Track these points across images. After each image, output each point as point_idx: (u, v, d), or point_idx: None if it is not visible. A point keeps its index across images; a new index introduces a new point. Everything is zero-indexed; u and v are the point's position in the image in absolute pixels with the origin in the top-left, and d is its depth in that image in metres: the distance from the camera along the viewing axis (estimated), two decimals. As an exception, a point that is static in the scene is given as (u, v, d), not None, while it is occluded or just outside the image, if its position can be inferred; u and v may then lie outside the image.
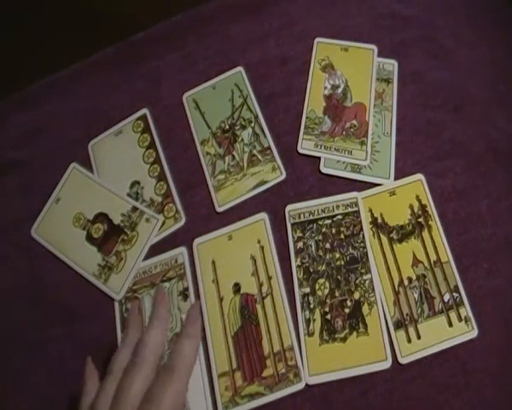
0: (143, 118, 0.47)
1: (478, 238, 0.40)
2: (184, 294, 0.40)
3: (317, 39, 0.49)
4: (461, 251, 0.40)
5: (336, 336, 0.38)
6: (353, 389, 0.37)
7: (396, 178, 0.42)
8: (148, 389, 0.29)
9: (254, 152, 0.45)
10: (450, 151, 0.43)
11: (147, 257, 0.42)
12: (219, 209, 0.43)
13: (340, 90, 0.47)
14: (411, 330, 0.37)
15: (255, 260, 0.40)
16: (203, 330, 0.39)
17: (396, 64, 0.47)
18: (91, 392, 0.31)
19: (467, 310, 0.38)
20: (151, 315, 0.33)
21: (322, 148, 0.44)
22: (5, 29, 0.58)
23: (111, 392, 0.29)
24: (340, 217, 0.41)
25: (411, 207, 0.41)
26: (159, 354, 0.31)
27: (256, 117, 0.46)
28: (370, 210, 0.41)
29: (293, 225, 0.41)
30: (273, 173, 0.43)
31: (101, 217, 0.43)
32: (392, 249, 0.40)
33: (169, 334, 0.39)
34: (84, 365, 0.34)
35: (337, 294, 0.39)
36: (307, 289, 0.39)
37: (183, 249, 0.41)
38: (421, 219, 0.41)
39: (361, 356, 0.37)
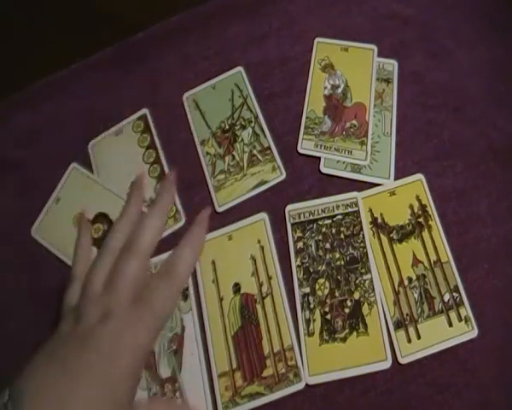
0: (143, 118, 0.47)
1: (478, 238, 0.40)
2: (184, 294, 0.40)
3: (317, 39, 0.49)
4: (461, 251, 0.40)
5: (336, 336, 0.38)
6: (353, 389, 0.37)
7: (396, 178, 0.42)
8: (143, 285, 0.28)
9: (254, 152, 0.45)
10: (450, 151, 0.43)
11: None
12: (219, 209, 0.43)
13: (340, 90, 0.47)
14: (411, 330, 0.37)
15: (255, 260, 0.40)
16: (203, 330, 0.39)
17: (396, 64, 0.47)
18: (84, 254, 0.32)
19: (467, 310, 0.38)
20: (154, 201, 0.32)
21: (322, 148, 0.44)
22: (5, 29, 0.58)
23: (107, 269, 0.29)
24: (340, 217, 0.41)
25: (411, 207, 0.41)
26: (156, 242, 0.30)
27: (256, 117, 0.46)
28: (370, 210, 0.41)
29: (293, 225, 0.41)
30: (273, 173, 0.43)
31: (101, 217, 0.43)
32: (392, 249, 0.40)
33: (169, 334, 0.39)
34: (79, 221, 0.33)
35: (337, 294, 0.39)
36: (307, 289, 0.39)
37: (183, 249, 0.41)
38: (421, 219, 0.41)
39: (361, 356, 0.37)
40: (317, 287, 0.39)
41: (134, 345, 0.26)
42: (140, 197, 0.35)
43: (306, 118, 0.45)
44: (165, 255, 0.41)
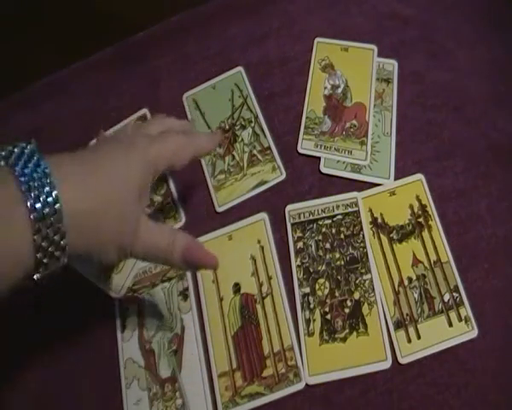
0: (143, 118, 0.47)
1: (478, 238, 0.40)
2: (184, 294, 0.40)
3: (317, 39, 0.49)
4: (461, 251, 0.40)
5: (336, 336, 0.38)
6: (353, 389, 0.37)
7: (396, 178, 0.42)
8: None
9: (254, 152, 0.45)
10: (450, 151, 0.43)
11: None
12: (219, 209, 0.43)
13: (340, 90, 0.47)
14: (411, 330, 0.37)
15: (255, 260, 0.40)
16: (203, 330, 0.39)
17: (396, 64, 0.47)
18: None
19: (467, 310, 0.38)
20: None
21: (322, 148, 0.44)
22: (5, 29, 0.58)
23: (159, 128, 0.34)
24: (340, 217, 0.41)
25: (411, 207, 0.41)
26: (197, 151, 0.34)
27: (256, 117, 0.46)
28: (370, 210, 0.41)
29: (293, 225, 0.41)
30: (273, 173, 0.43)
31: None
32: (392, 249, 0.40)
33: (169, 334, 0.39)
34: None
35: (337, 294, 0.39)
36: (307, 290, 0.39)
37: (183, 249, 0.41)
38: (421, 219, 0.41)
39: (361, 356, 0.37)
40: (317, 287, 0.39)
41: (148, 151, 0.30)
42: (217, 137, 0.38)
43: (306, 118, 0.45)
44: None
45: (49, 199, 0.24)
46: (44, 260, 0.25)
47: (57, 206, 0.24)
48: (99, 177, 0.27)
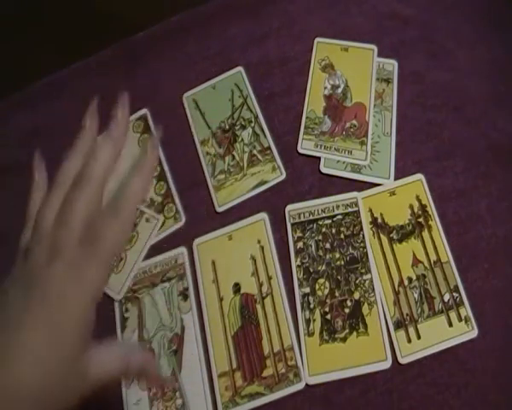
0: (143, 118, 0.47)
1: (478, 238, 0.40)
2: (184, 294, 0.40)
3: (317, 39, 0.49)
4: (461, 251, 0.40)
5: (336, 336, 0.38)
6: (353, 389, 0.37)
7: (396, 178, 0.42)
8: (92, 220, 0.26)
9: (254, 152, 0.45)
10: (450, 151, 0.43)
11: (147, 257, 0.41)
12: (219, 209, 0.43)
13: (340, 90, 0.47)
14: (411, 330, 0.37)
15: (255, 260, 0.40)
16: (203, 330, 0.39)
17: (396, 64, 0.47)
18: (37, 199, 0.30)
19: (467, 310, 0.38)
20: (107, 131, 0.30)
21: (322, 148, 0.44)
22: (5, 29, 0.58)
23: (56, 205, 0.27)
24: (340, 217, 0.41)
25: (411, 207, 0.41)
26: (108, 172, 0.28)
27: (256, 117, 0.46)
28: (370, 210, 0.41)
29: (293, 225, 0.41)
30: (273, 173, 0.43)
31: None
32: (392, 249, 0.40)
33: (169, 334, 0.39)
34: (33, 162, 0.32)
35: (337, 294, 0.39)
36: (307, 289, 0.39)
37: (183, 249, 0.41)
38: (421, 219, 0.41)
39: (361, 356, 0.37)
40: (317, 287, 0.39)
41: (82, 289, 0.25)
42: (96, 122, 0.33)
43: (306, 118, 0.45)
44: (164, 255, 0.41)
45: None
46: None
47: None
48: (22, 375, 0.22)
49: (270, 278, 0.40)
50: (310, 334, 0.38)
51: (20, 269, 0.26)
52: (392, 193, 0.42)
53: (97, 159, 0.28)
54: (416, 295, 0.39)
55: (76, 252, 0.25)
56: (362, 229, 0.41)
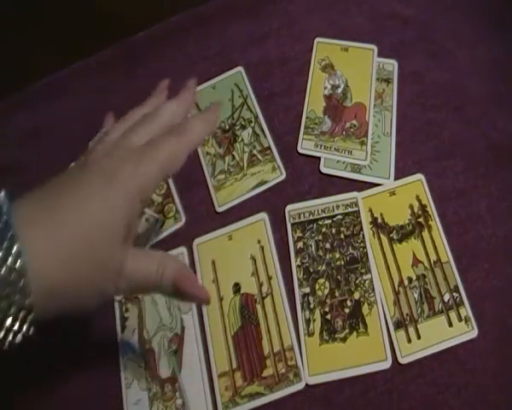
0: (143, 118, 0.47)
1: (478, 238, 0.40)
2: (184, 294, 0.40)
3: (317, 39, 0.49)
4: (461, 251, 0.40)
5: (336, 336, 0.38)
6: (353, 389, 0.37)
7: (396, 178, 0.42)
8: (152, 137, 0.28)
9: (254, 152, 0.45)
10: (450, 151, 0.43)
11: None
12: (219, 209, 0.43)
13: (340, 90, 0.47)
14: (411, 330, 0.37)
15: (255, 260, 0.40)
16: (203, 330, 0.39)
17: (396, 64, 0.47)
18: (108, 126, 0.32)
19: (467, 310, 0.38)
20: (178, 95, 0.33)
21: (322, 148, 0.44)
22: (5, 29, 0.58)
23: (121, 131, 0.29)
24: (340, 217, 0.41)
25: (411, 207, 0.41)
26: (174, 120, 0.30)
27: (256, 117, 0.46)
28: (370, 210, 0.41)
29: (293, 225, 0.41)
30: (273, 173, 0.43)
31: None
32: (392, 249, 0.40)
33: (169, 334, 0.39)
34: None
35: (337, 294, 0.39)
36: (307, 289, 0.39)
37: (183, 249, 0.41)
38: (421, 219, 0.41)
39: (361, 356, 0.37)
40: (317, 287, 0.39)
41: (133, 177, 0.26)
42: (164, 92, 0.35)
43: (306, 118, 0.45)
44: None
45: (10, 257, 0.21)
46: (6, 324, 0.21)
47: (18, 265, 0.21)
48: (73, 228, 0.23)
49: (270, 278, 0.40)
50: (310, 334, 0.38)
51: (80, 163, 0.28)
52: (392, 193, 0.42)
53: (166, 107, 0.30)
54: (415, 295, 0.39)
55: (133, 152, 0.27)
56: (362, 229, 0.41)
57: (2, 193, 0.23)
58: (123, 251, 0.26)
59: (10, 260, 0.21)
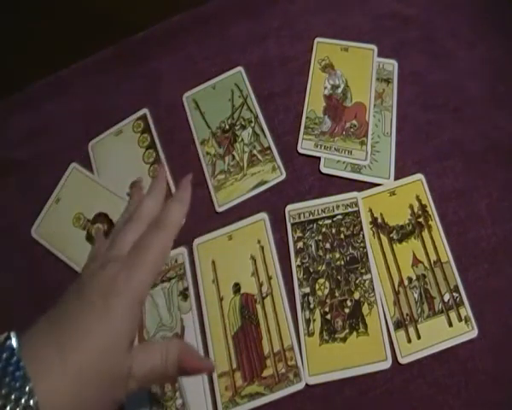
0: (143, 118, 0.47)
1: (478, 238, 0.40)
2: (184, 294, 0.40)
3: (317, 39, 0.49)
4: (461, 251, 0.40)
5: (336, 336, 0.38)
6: (353, 389, 0.37)
7: (396, 178, 0.42)
8: (138, 238, 0.30)
9: (254, 152, 0.45)
10: (450, 151, 0.43)
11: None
12: (219, 209, 0.43)
13: (340, 90, 0.47)
14: (411, 330, 0.37)
15: (255, 260, 0.40)
16: (203, 330, 0.39)
17: (396, 64, 0.47)
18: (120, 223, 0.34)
19: (467, 310, 0.38)
20: (174, 194, 0.34)
21: (322, 148, 0.44)
22: (5, 29, 0.58)
23: (131, 242, 0.30)
24: (340, 217, 0.41)
25: (411, 207, 0.41)
26: (153, 213, 0.32)
27: (256, 117, 0.46)
28: (370, 210, 0.41)
29: (293, 225, 0.41)
30: (273, 173, 0.43)
31: (102, 217, 0.43)
32: (392, 249, 0.40)
33: (169, 334, 0.39)
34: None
35: (337, 294, 0.39)
36: (307, 289, 0.39)
37: (183, 249, 0.41)
38: (421, 219, 0.41)
39: (361, 356, 0.37)
40: (317, 287, 0.39)
41: (130, 285, 0.27)
42: (166, 177, 0.37)
43: (306, 118, 0.45)
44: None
45: (23, 398, 0.21)
46: None
47: (32, 403, 0.22)
48: (80, 360, 0.24)
49: (270, 278, 0.40)
50: (310, 334, 0.38)
51: (76, 283, 0.29)
52: (392, 193, 0.42)
53: (144, 204, 0.32)
54: (416, 295, 0.39)
55: (123, 260, 0.28)
56: (362, 229, 0.41)
57: (13, 339, 0.24)
58: (129, 356, 0.27)
59: (24, 399, 0.22)
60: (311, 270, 0.40)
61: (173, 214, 0.32)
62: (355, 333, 0.38)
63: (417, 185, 0.42)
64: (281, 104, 0.46)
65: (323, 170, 0.43)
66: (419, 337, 0.37)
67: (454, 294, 0.38)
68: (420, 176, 0.42)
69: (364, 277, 0.39)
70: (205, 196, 0.43)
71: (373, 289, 0.39)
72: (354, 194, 0.42)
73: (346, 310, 0.38)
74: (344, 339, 0.38)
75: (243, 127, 0.46)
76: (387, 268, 0.40)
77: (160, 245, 0.29)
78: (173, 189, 0.44)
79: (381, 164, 0.43)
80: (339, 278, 0.39)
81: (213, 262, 0.41)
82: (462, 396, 0.36)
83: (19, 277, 0.43)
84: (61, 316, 0.26)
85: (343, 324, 0.38)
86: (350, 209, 0.41)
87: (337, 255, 0.40)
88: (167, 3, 0.52)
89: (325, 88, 0.47)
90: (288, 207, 0.42)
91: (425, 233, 0.40)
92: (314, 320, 0.38)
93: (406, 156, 0.43)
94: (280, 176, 0.43)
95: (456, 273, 0.39)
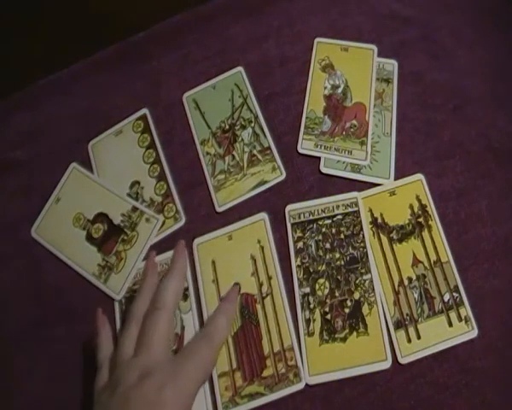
0: (143, 118, 0.47)
1: (478, 238, 0.40)
2: (184, 294, 0.40)
3: (317, 39, 0.49)
4: (461, 251, 0.40)
5: (336, 336, 0.38)
6: (353, 389, 0.37)
7: (396, 178, 0.42)
8: (184, 346, 0.31)
9: (254, 152, 0.45)
10: (450, 151, 0.43)
11: (147, 257, 0.41)
12: (219, 209, 0.43)
13: (340, 90, 0.47)
14: (411, 330, 0.37)
15: (255, 260, 0.40)
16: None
17: (396, 64, 0.47)
18: (105, 342, 0.33)
19: (467, 310, 0.38)
20: (170, 265, 0.35)
21: (322, 148, 0.44)
22: (5, 29, 0.58)
23: (135, 336, 0.30)
24: (340, 217, 0.41)
25: (411, 207, 0.41)
26: (178, 299, 0.33)
27: (256, 117, 0.46)
28: (370, 210, 0.41)
29: (293, 225, 0.41)
30: (273, 173, 0.43)
31: (101, 217, 0.43)
32: (392, 249, 0.40)
33: (169, 334, 0.39)
34: (94, 316, 0.36)
35: (337, 294, 0.39)
36: (307, 289, 0.39)
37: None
38: (421, 219, 0.41)
39: (361, 356, 0.37)
40: (317, 287, 0.39)
41: (177, 396, 0.27)
42: (156, 269, 0.39)
43: (306, 118, 0.45)
44: (164, 255, 0.41)
45: None
46: None
47: None
48: None
49: (270, 278, 0.40)
50: (310, 334, 0.38)
51: (108, 397, 0.28)
52: (392, 193, 0.42)
53: (167, 289, 0.34)
54: (415, 295, 0.39)
55: (167, 365, 0.29)
56: (362, 229, 0.41)
57: None
58: None
59: None
60: (311, 270, 0.40)
61: (220, 327, 0.34)
62: (355, 333, 0.38)
63: (417, 185, 0.42)
64: (281, 104, 0.46)
65: (323, 170, 0.43)
66: (419, 337, 0.37)
67: (454, 294, 0.38)
68: (420, 176, 0.42)
69: (364, 277, 0.39)
70: (205, 196, 0.43)
71: (373, 289, 0.39)
72: (354, 194, 0.42)
73: (346, 310, 0.38)
74: (344, 339, 0.38)
75: (243, 127, 0.46)
76: (387, 268, 0.40)
77: (206, 357, 0.31)
78: (174, 190, 0.44)
79: (381, 164, 0.43)
80: (339, 278, 0.39)
81: (213, 262, 0.41)
82: (462, 396, 0.36)
83: (19, 277, 0.43)
84: None
85: (343, 324, 0.38)
86: (350, 209, 0.41)
87: (337, 255, 0.40)
88: (167, 3, 0.52)
89: (325, 88, 0.47)
90: (288, 207, 0.42)
91: (425, 233, 0.40)
92: (314, 320, 0.38)
93: (406, 156, 0.43)
94: (280, 176, 0.43)
95: (456, 273, 0.39)
